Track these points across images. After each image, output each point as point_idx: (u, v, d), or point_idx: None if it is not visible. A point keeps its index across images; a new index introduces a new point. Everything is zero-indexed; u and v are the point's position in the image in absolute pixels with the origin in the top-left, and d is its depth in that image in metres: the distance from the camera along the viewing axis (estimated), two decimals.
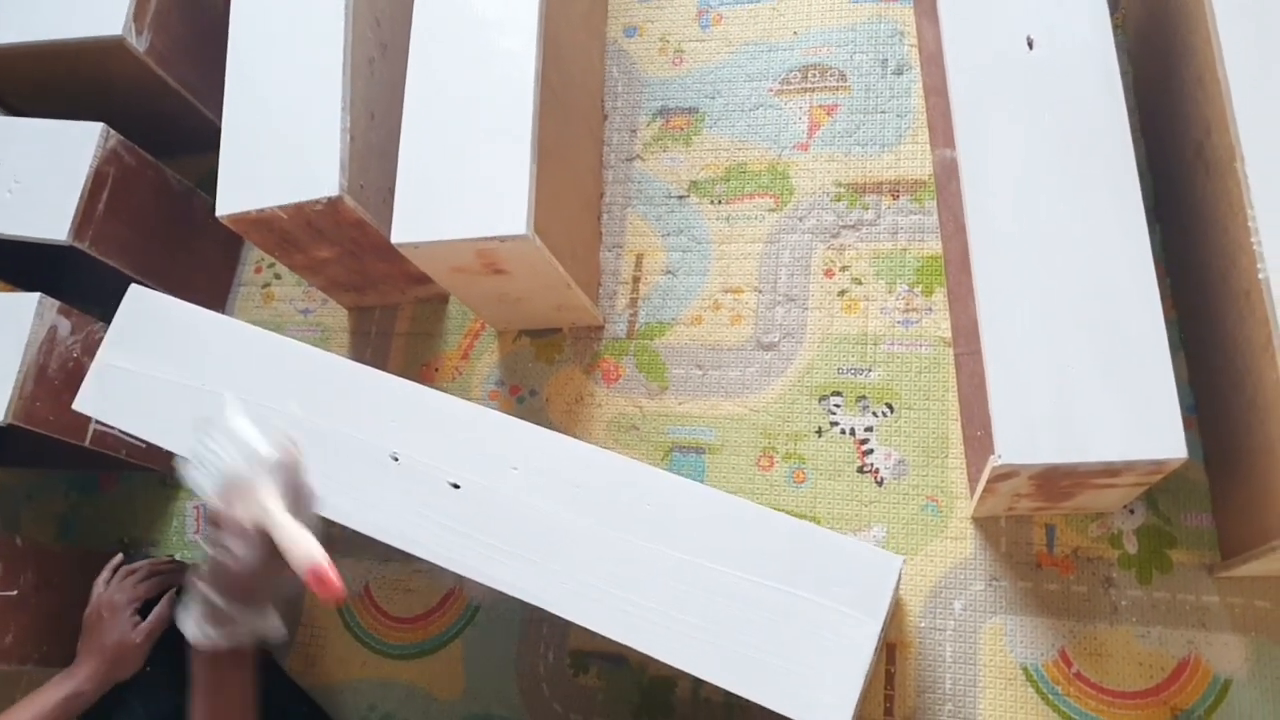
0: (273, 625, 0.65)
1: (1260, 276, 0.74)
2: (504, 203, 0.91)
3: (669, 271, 1.12)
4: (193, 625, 0.64)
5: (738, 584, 0.74)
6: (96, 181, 1.08)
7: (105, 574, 1.01)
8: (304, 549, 0.60)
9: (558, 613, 0.76)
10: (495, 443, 0.83)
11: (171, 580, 1.02)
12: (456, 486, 0.82)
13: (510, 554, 0.79)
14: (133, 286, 0.97)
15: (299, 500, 0.64)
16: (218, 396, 0.72)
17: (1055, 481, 0.80)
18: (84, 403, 0.94)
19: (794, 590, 0.73)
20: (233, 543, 0.62)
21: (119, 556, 1.03)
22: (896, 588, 0.75)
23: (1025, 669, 0.90)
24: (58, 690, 0.91)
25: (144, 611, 0.98)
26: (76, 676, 0.93)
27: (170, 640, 0.98)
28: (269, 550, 0.61)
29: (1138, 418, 0.74)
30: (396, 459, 0.84)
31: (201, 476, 0.66)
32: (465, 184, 0.93)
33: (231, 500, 0.63)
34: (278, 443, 0.66)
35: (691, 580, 0.75)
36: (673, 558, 0.76)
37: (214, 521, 0.63)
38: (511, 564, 0.78)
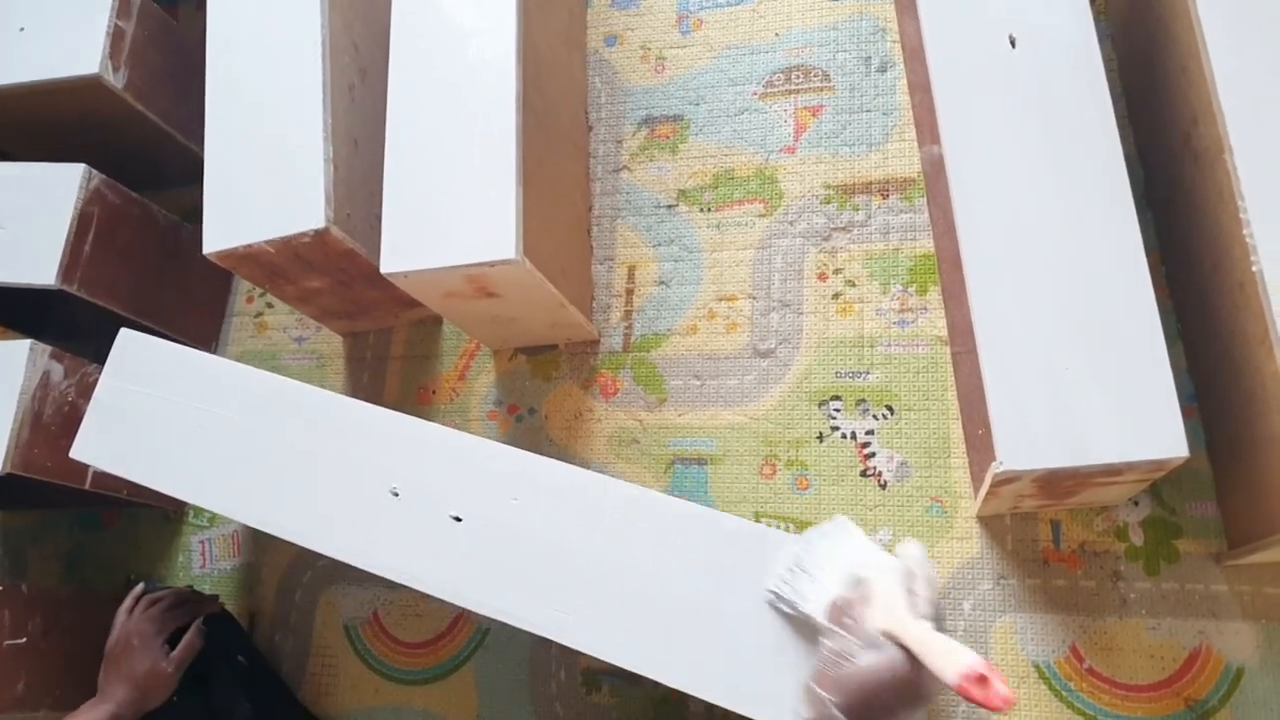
0: None
1: (1254, 270, 0.73)
2: (492, 227, 0.90)
3: (662, 282, 1.12)
4: None
5: (746, 606, 0.74)
6: (81, 223, 1.08)
7: (128, 602, 1.00)
8: (954, 656, 0.56)
9: (566, 642, 0.76)
10: (494, 473, 0.82)
11: (197, 610, 1.02)
12: (458, 519, 0.81)
13: (516, 585, 0.78)
14: (123, 331, 0.96)
15: (915, 604, 0.61)
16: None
17: (1058, 482, 0.80)
18: (81, 451, 0.94)
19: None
20: (867, 655, 0.59)
21: (140, 586, 1.02)
22: None
23: (1037, 666, 0.90)
24: (96, 713, 0.91)
25: (170, 641, 0.97)
26: (111, 701, 0.92)
27: (196, 671, 0.98)
28: (904, 662, 0.58)
29: (1137, 417, 0.74)
30: (397, 494, 0.83)
31: (805, 587, 0.68)
32: (452, 209, 0.92)
33: (855, 610, 0.62)
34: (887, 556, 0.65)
35: (699, 604, 0.75)
36: (679, 582, 0.76)
37: (842, 627, 0.62)
38: (517, 596, 0.78)
